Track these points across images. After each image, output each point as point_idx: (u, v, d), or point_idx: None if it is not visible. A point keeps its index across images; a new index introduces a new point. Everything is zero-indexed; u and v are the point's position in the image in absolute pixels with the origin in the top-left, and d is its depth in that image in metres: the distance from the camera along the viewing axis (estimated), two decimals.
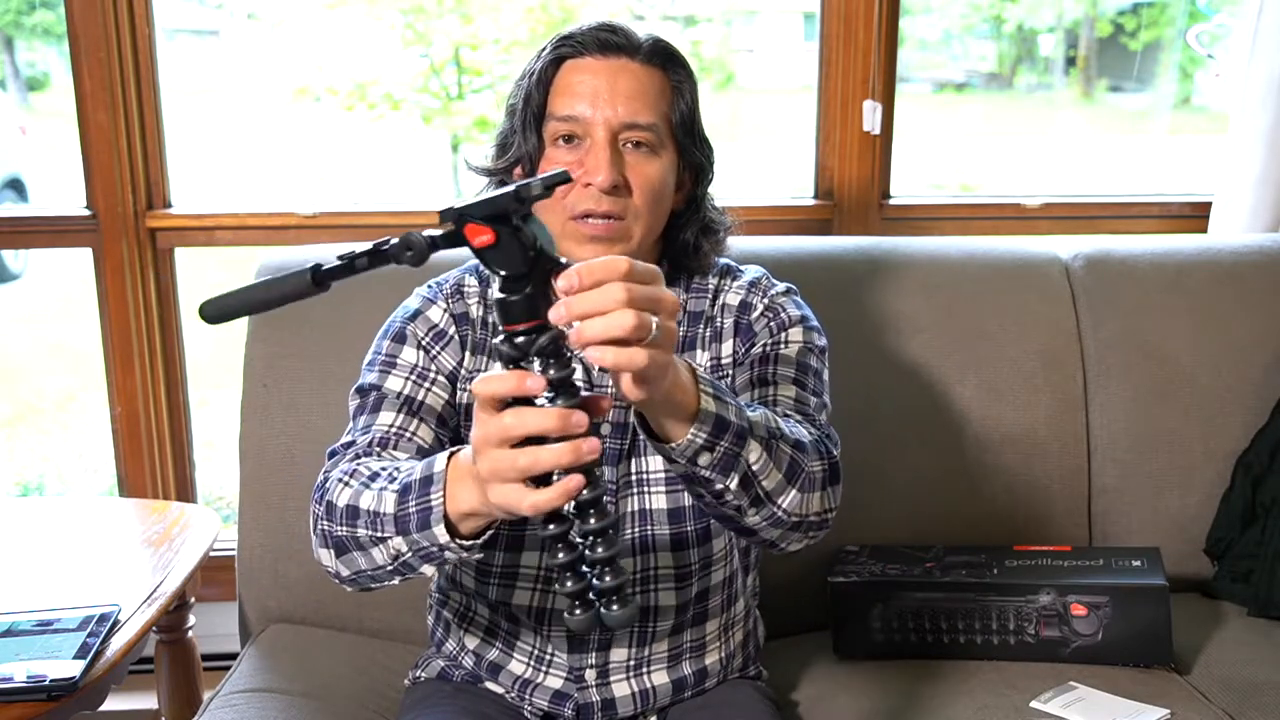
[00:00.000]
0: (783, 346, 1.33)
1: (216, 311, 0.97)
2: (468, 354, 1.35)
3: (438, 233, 0.92)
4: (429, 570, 1.12)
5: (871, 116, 2.13)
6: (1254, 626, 1.73)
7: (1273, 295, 1.87)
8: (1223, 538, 1.80)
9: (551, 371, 0.92)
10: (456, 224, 0.92)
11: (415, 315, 1.36)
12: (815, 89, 2.16)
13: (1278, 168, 2.06)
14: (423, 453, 1.26)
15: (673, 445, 1.05)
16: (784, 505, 1.14)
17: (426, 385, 1.32)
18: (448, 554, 1.07)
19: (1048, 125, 4.91)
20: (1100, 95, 4.61)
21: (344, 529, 1.15)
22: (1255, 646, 1.66)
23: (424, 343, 1.34)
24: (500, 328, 0.93)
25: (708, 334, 1.37)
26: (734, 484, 1.09)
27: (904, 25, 2.16)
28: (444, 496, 1.04)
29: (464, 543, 1.06)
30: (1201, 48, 2.27)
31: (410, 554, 1.09)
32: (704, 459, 1.06)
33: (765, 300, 1.37)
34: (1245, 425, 1.82)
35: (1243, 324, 1.85)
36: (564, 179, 0.95)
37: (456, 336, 1.35)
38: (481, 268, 1.39)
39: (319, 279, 0.93)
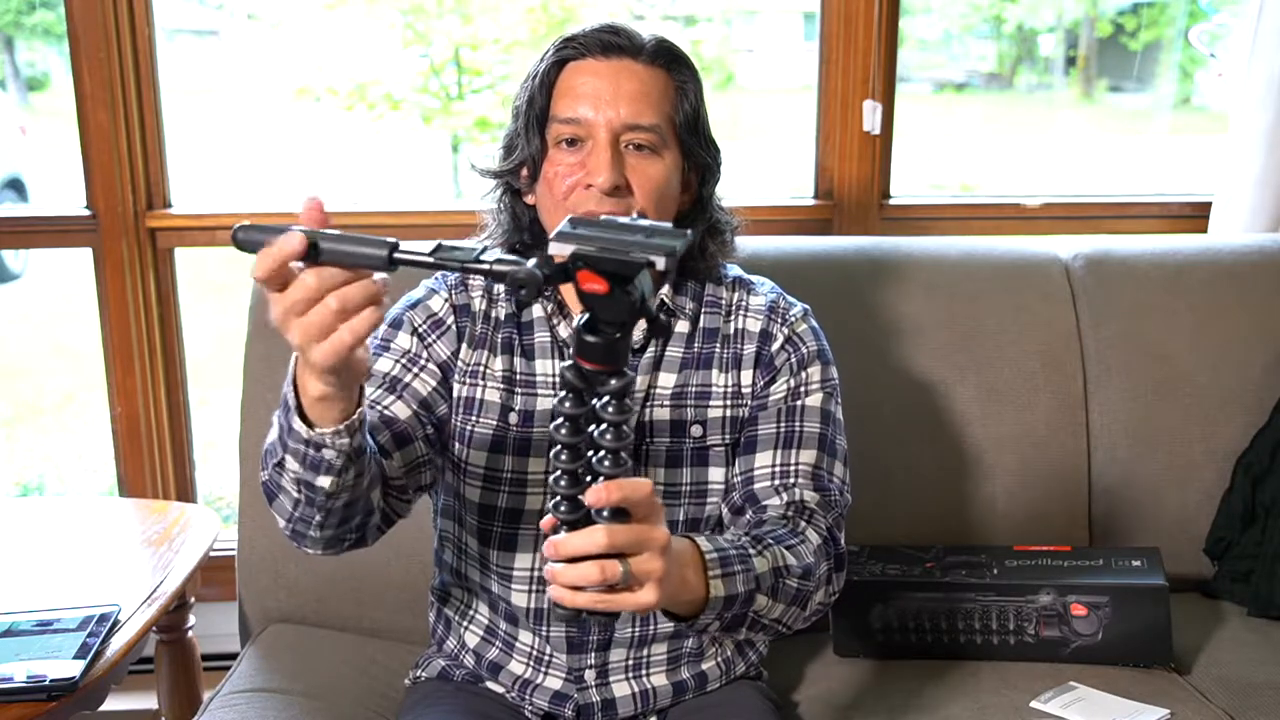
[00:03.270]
0: (804, 394, 1.35)
1: (253, 242, 0.92)
2: (465, 346, 1.35)
3: (542, 268, 0.88)
4: (325, 483, 1.08)
5: (871, 116, 2.13)
6: (1254, 626, 1.73)
7: (1273, 295, 1.87)
8: (1223, 538, 1.80)
9: (610, 411, 0.92)
10: (571, 263, 0.89)
11: (416, 304, 1.37)
12: (815, 89, 2.16)
13: (1278, 168, 2.06)
14: (390, 425, 1.25)
15: (685, 622, 1.14)
16: (786, 622, 1.24)
17: (415, 370, 1.32)
18: (324, 452, 1.05)
19: (1048, 125, 4.91)
20: (1100, 95, 4.61)
21: (266, 473, 1.14)
22: (1255, 646, 1.66)
23: (420, 330, 1.35)
24: (571, 355, 0.92)
25: (727, 356, 1.37)
26: (742, 633, 1.21)
27: (904, 25, 2.16)
28: (294, 388, 1.04)
29: (324, 430, 1.04)
30: (1204, 47, 2.27)
31: (300, 467, 1.07)
32: (714, 627, 1.17)
33: (785, 330, 1.38)
34: (1245, 425, 1.81)
35: (1243, 324, 1.85)
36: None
37: (455, 327, 1.36)
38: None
39: (393, 260, 0.90)
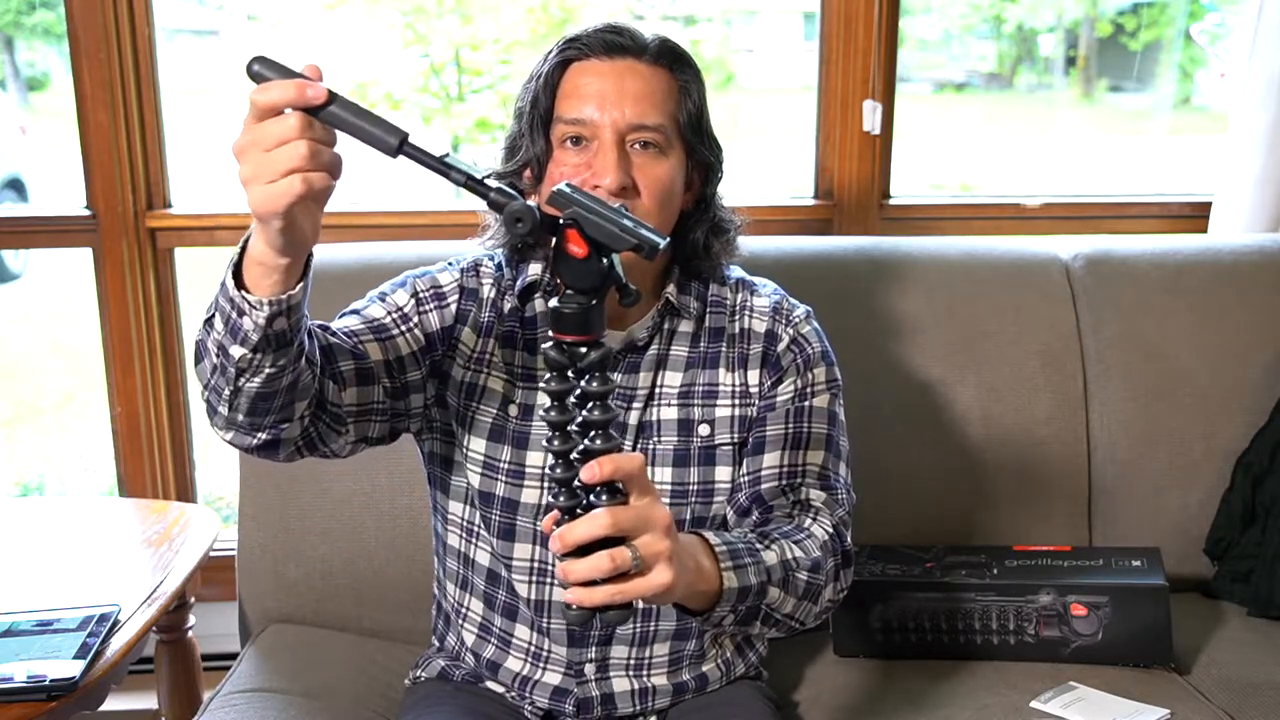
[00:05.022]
0: (811, 395, 1.36)
1: (266, 78, 0.92)
2: (468, 330, 1.35)
3: (539, 212, 0.92)
4: (237, 353, 1.04)
5: (871, 116, 2.13)
6: (1254, 626, 1.73)
7: (1273, 295, 1.87)
8: (1223, 538, 1.80)
9: (595, 385, 0.94)
10: (564, 219, 0.92)
11: (425, 274, 1.37)
12: (815, 89, 2.16)
13: (1278, 168, 2.06)
14: (358, 358, 1.23)
15: (700, 616, 1.15)
16: (799, 617, 1.25)
17: (403, 328, 1.31)
18: (244, 320, 1.01)
19: (1048, 125, 4.91)
20: (1100, 95, 4.61)
21: (200, 331, 1.10)
22: (1255, 646, 1.66)
23: (419, 294, 1.34)
24: (550, 333, 0.94)
25: (734, 355, 1.38)
26: (756, 627, 1.23)
27: (904, 25, 2.16)
28: (243, 246, 1.01)
29: (249, 296, 1.00)
30: (1208, 45, 2.27)
31: (222, 329, 1.04)
32: (728, 620, 1.19)
33: (791, 331, 1.38)
34: (1245, 425, 1.81)
35: (1243, 324, 1.85)
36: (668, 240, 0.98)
37: (455, 306, 1.35)
38: (501, 252, 1.39)
39: (401, 150, 0.91)
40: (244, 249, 1.01)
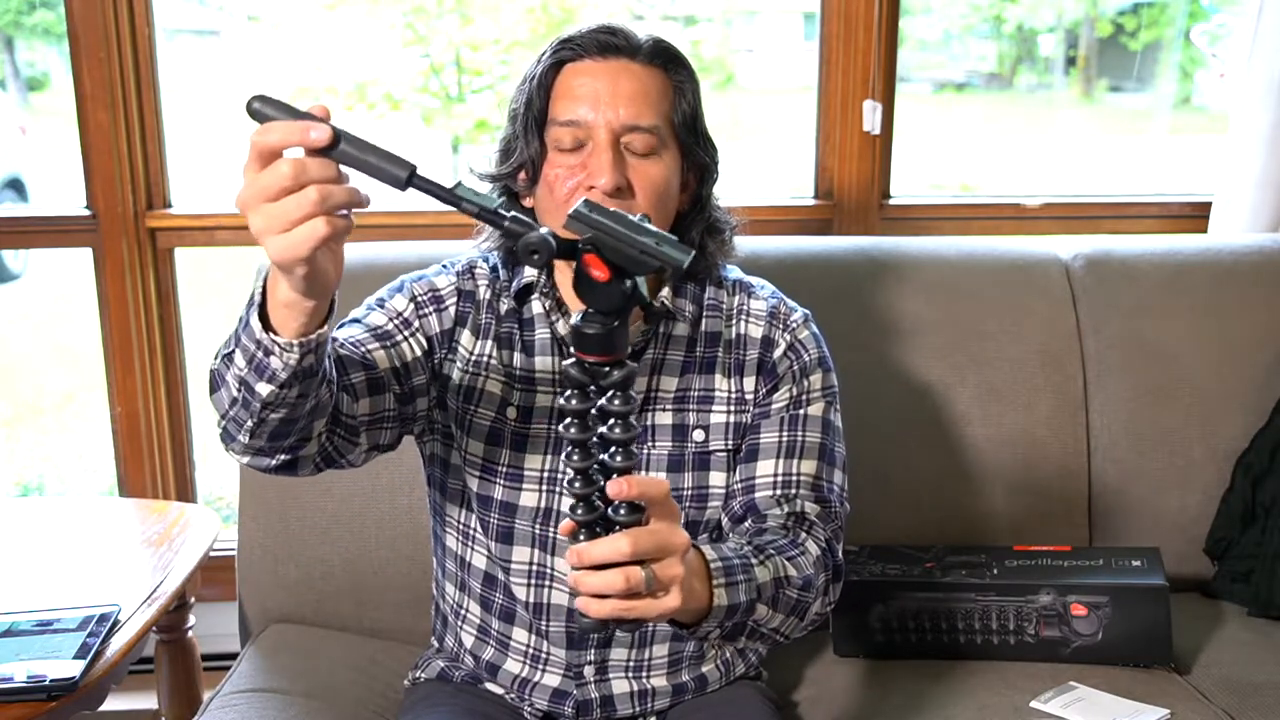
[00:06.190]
0: (806, 402, 1.36)
1: (268, 117, 0.89)
2: (467, 332, 1.35)
3: (553, 238, 0.89)
4: (264, 390, 1.03)
5: (871, 116, 2.13)
6: (1254, 626, 1.73)
7: (1273, 295, 1.87)
8: (1223, 538, 1.80)
9: (616, 404, 0.93)
10: (582, 244, 0.90)
11: (421, 278, 1.37)
12: (815, 89, 2.16)
13: (1278, 168, 2.06)
14: (368, 369, 1.23)
15: (686, 628, 1.14)
16: (784, 631, 1.25)
17: (405, 333, 1.31)
18: (271, 360, 1.00)
19: (1048, 125, 4.91)
20: (1100, 95, 4.61)
21: (215, 361, 1.10)
22: (1255, 646, 1.66)
23: (418, 299, 1.34)
24: (572, 351, 0.93)
25: (730, 361, 1.37)
26: (741, 641, 1.22)
27: (904, 25, 2.16)
28: (264, 286, 0.99)
29: (276, 338, 0.99)
30: (1207, 47, 2.27)
31: (245, 366, 1.02)
32: (714, 635, 1.17)
33: (788, 336, 1.38)
34: (1245, 425, 1.81)
35: (1243, 324, 1.85)
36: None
37: (454, 309, 1.35)
38: (495, 254, 1.39)
39: (410, 183, 0.88)
40: (265, 289, 0.99)
